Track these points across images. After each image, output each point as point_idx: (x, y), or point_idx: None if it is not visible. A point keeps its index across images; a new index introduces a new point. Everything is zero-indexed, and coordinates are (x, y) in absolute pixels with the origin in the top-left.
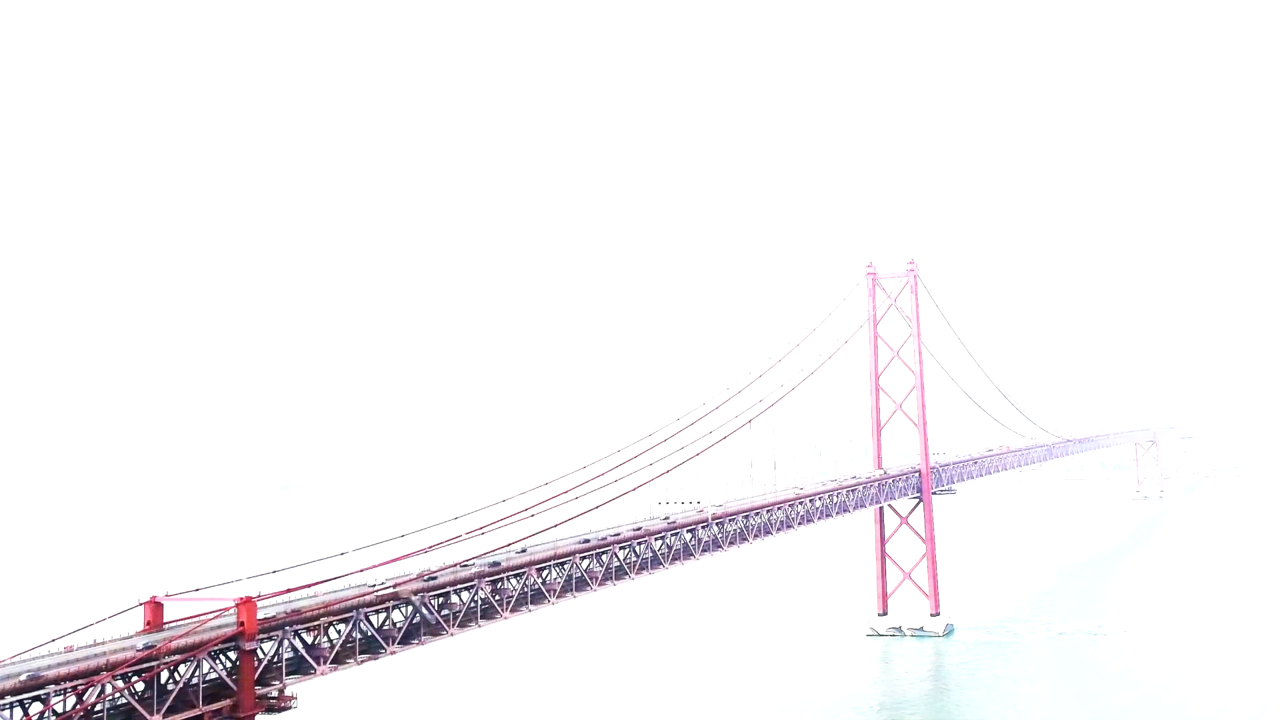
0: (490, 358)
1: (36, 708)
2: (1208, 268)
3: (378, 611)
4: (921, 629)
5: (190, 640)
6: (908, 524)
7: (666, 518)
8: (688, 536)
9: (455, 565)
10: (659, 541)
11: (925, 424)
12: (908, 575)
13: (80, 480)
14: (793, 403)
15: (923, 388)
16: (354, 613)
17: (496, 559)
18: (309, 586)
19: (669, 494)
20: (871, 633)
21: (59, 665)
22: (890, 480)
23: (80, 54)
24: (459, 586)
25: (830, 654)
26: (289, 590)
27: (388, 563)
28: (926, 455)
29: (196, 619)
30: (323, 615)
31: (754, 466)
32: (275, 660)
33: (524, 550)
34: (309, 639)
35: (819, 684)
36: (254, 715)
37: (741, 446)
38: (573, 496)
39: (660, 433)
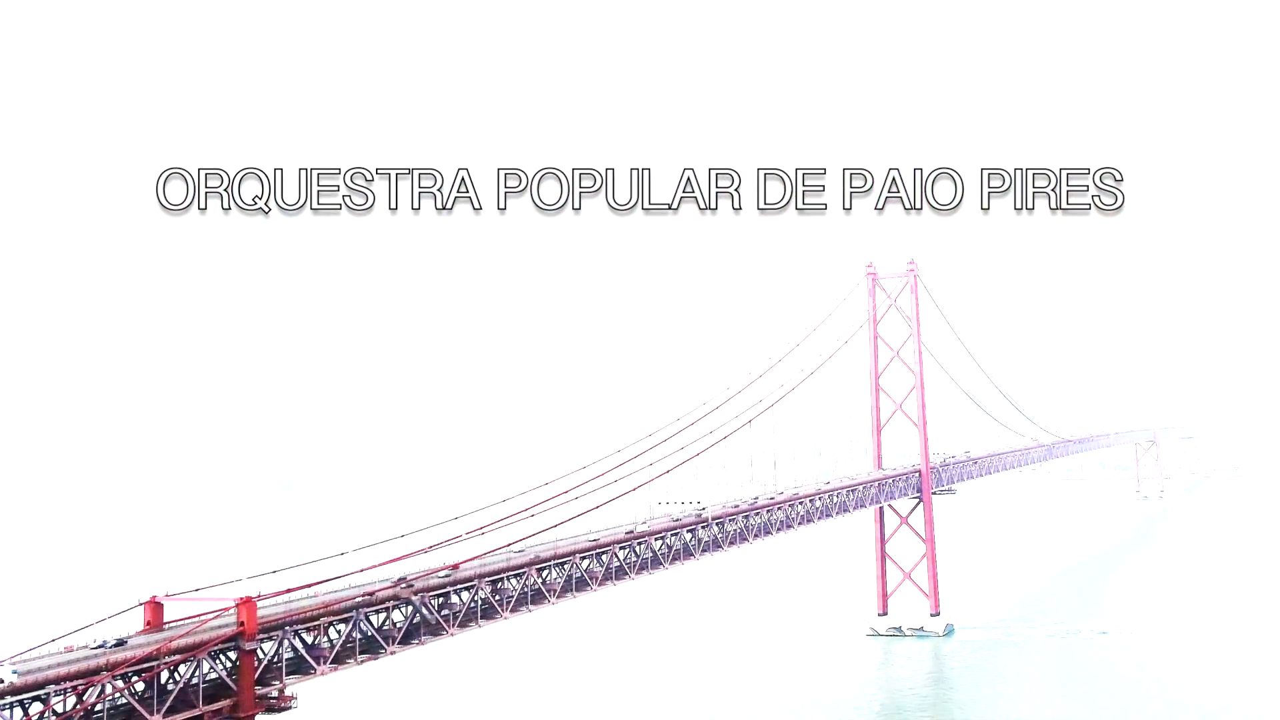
0: (490, 358)
1: (36, 708)
2: (1207, 268)
3: (378, 611)
4: (921, 629)
5: (190, 640)
6: (908, 524)
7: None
8: (687, 536)
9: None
10: (659, 541)
11: (925, 424)
12: (908, 575)
13: (81, 480)
14: (793, 403)
15: (923, 388)
16: (354, 613)
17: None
18: (309, 586)
19: (669, 494)
20: (871, 633)
21: (59, 665)
22: (890, 480)
23: (78, 53)
24: (459, 587)
25: (830, 654)
26: (289, 590)
27: (388, 563)
28: (926, 455)
29: (197, 619)
30: (322, 615)
31: (754, 466)
32: (275, 660)
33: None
34: (309, 639)
35: (819, 684)
36: (254, 715)
37: (741, 446)
38: (573, 496)
39: (660, 433)
